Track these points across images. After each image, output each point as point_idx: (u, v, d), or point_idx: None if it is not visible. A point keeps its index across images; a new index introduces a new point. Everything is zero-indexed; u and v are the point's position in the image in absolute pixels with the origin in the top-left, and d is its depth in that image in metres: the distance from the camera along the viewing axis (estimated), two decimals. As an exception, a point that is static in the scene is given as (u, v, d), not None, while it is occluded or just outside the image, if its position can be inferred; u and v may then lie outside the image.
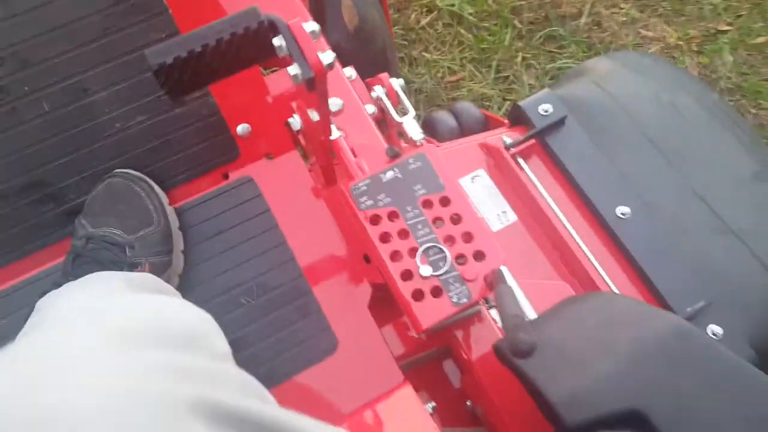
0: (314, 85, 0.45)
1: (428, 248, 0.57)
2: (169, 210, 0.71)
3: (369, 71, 0.82)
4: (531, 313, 0.68)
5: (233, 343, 0.49)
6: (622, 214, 0.78)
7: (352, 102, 0.74)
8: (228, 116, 0.76)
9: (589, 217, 0.80)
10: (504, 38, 1.38)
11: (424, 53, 1.37)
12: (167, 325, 0.33)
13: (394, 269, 0.57)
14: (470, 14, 1.40)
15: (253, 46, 0.46)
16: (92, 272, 0.58)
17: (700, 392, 0.48)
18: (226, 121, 0.76)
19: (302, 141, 0.79)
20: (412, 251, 0.57)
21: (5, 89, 0.67)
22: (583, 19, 1.41)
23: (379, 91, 0.74)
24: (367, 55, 1.04)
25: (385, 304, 0.69)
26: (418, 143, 0.68)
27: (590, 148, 0.84)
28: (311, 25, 0.45)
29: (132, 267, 0.60)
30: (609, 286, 0.74)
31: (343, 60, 0.79)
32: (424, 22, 1.40)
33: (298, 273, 0.71)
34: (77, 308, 0.40)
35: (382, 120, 0.76)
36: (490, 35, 1.39)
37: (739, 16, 1.42)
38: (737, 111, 1.31)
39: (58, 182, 0.71)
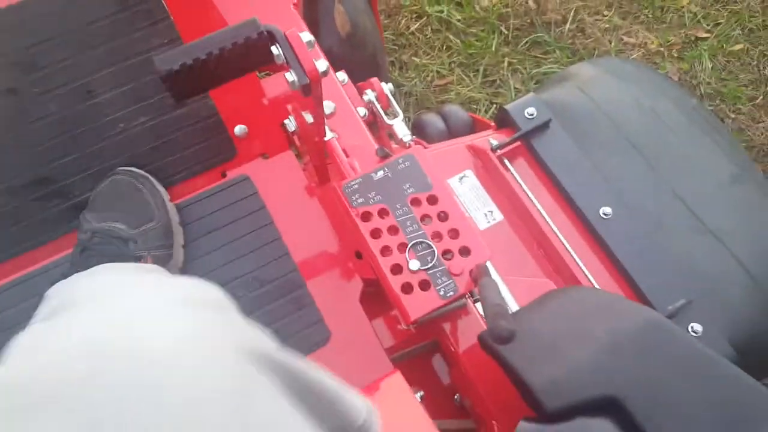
0: (310, 91, 0.48)
1: (417, 244, 0.61)
2: (170, 206, 0.74)
3: (360, 75, 0.86)
4: (514, 307, 0.72)
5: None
6: (605, 214, 0.81)
7: (344, 105, 0.77)
8: (226, 118, 0.79)
9: (572, 217, 0.83)
10: (491, 44, 1.42)
11: (413, 57, 1.41)
12: (203, 294, 0.36)
13: (385, 263, 0.60)
14: (458, 20, 1.44)
15: (252, 54, 0.50)
16: (103, 261, 0.61)
17: (673, 380, 0.51)
18: (224, 123, 0.80)
19: (296, 142, 0.82)
20: (402, 246, 0.61)
21: (16, 91, 0.70)
22: (567, 26, 1.45)
23: (370, 94, 0.78)
24: (359, 60, 1.08)
25: (376, 299, 0.73)
26: (407, 144, 0.71)
27: (574, 150, 0.87)
28: (306, 35, 0.49)
29: (136, 260, 0.63)
30: (592, 284, 0.77)
31: (336, 64, 0.82)
32: (413, 27, 1.44)
33: (292, 267, 0.74)
34: (111, 282, 0.43)
35: (373, 122, 0.79)
36: (477, 41, 1.43)
37: (718, 24, 1.48)
38: (716, 116, 1.36)
39: (64, 179, 0.74)
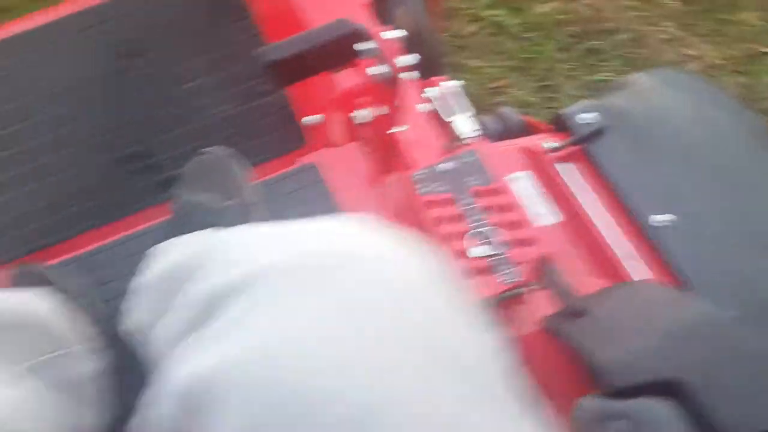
0: (395, 83, 0.53)
1: (479, 232, 0.65)
2: (249, 186, 0.80)
3: (423, 74, 0.91)
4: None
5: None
6: (662, 222, 0.82)
7: (412, 100, 0.82)
8: (297, 109, 0.85)
9: (627, 224, 0.84)
10: (546, 49, 1.45)
11: (468, 60, 1.45)
12: None
13: (447, 250, 0.65)
14: (514, 25, 1.48)
15: (342, 49, 0.55)
16: (195, 230, 0.67)
17: (730, 368, 0.54)
18: (295, 113, 0.86)
19: (362, 134, 0.88)
20: (464, 234, 0.65)
21: (123, 73, 0.79)
22: (624, 35, 1.47)
23: (435, 91, 0.83)
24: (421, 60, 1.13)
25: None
26: (470, 140, 0.76)
27: (630, 157, 0.88)
28: (394, 33, 0.54)
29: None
30: None
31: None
32: (469, 30, 1.48)
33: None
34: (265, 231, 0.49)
35: (438, 117, 0.84)
36: (532, 45, 1.46)
37: (780, 38, 1.47)
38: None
39: (157, 155, 0.82)
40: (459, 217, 0.66)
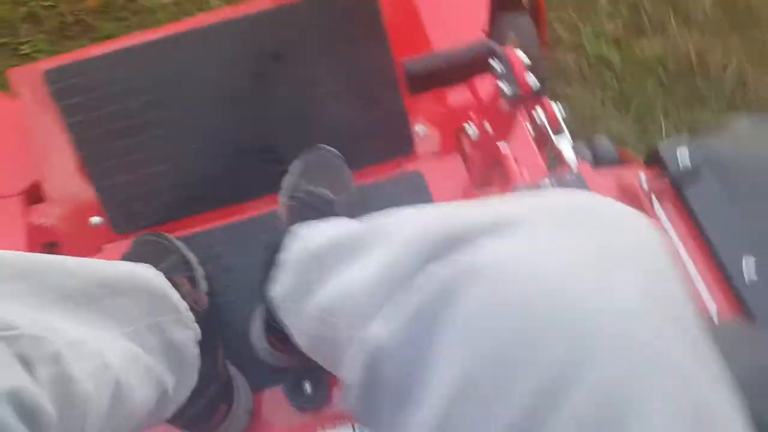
0: (520, 101, 0.60)
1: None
2: (352, 185, 0.89)
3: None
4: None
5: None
6: (750, 268, 0.80)
7: (519, 120, 0.88)
8: (411, 118, 0.93)
9: (713, 267, 0.84)
10: (646, 85, 1.48)
11: (567, 89, 1.49)
12: None
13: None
14: (616, 59, 1.52)
15: (474, 65, 0.62)
16: (313, 218, 0.76)
17: None
18: (408, 122, 0.94)
19: (466, 146, 0.94)
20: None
21: (264, 74, 0.89)
22: (727, 76, 1.47)
23: (540, 112, 0.88)
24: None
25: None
26: (572, 163, 0.81)
27: (725, 200, 0.89)
28: (522, 55, 0.61)
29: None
30: None
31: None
32: (570, 60, 1.53)
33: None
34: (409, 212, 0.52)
35: (540, 138, 0.90)
36: (633, 81, 1.49)
37: None
38: None
39: (281, 149, 0.92)
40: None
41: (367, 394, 0.38)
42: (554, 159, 0.84)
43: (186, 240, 0.91)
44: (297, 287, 0.63)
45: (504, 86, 0.59)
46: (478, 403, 0.29)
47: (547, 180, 0.75)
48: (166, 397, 0.63)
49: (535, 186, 0.75)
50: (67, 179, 0.95)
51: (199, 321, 0.71)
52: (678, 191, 0.92)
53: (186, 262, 0.89)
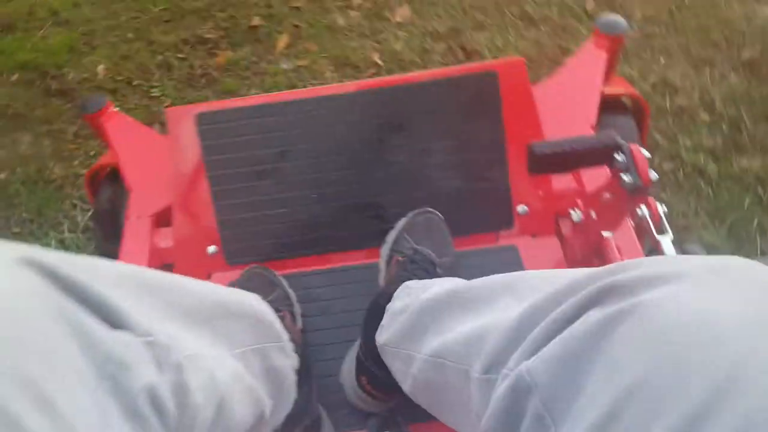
0: (641, 193, 0.66)
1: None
2: (452, 250, 0.96)
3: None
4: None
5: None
6: None
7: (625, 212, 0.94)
8: (515, 196, 1.01)
9: None
10: (743, 200, 1.50)
11: (661, 194, 1.54)
12: None
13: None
14: (713, 172, 1.55)
15: (595, 155, 0.70)
16: (416, 275, 0.83)
17: None
18: (511, 200, 1.01)
19: (564, 230, 1.00)
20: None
21: (384, 142, 1.01)
22: (831, 204, 1.48)
23: (644, 209, 0.94)
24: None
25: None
26: (672, 259, 0.85)
27: None
28: (645, 152, 0.67)
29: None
30: None
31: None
32: (665, 167, 1.58)
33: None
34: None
35: (640, 233, 0.94)
36: (728, 195, 1.52)
37: None
38: None
39: (387, 208, 1.01)
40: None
41: (506, 419, 0.42)
42: (651, 253, 0.89)
43: (287, 278, 1.00)
44: (408, 334, 0.69)
45: (626, 177, 0.66)
46: (623, 430, 0.31)
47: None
48: (262, 419, 0.69)
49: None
50: (194, 209, 1.07)
51: (295, 353, 0.77)
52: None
53: (287, 298, 0.97)
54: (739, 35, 1.83)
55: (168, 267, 1.07)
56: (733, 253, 1.45)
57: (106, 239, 1.26)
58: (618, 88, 1.19)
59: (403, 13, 2.01)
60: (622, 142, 0.67)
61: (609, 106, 1.15)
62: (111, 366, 0.39)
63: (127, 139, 1.19)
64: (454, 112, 1.00)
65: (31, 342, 0.34)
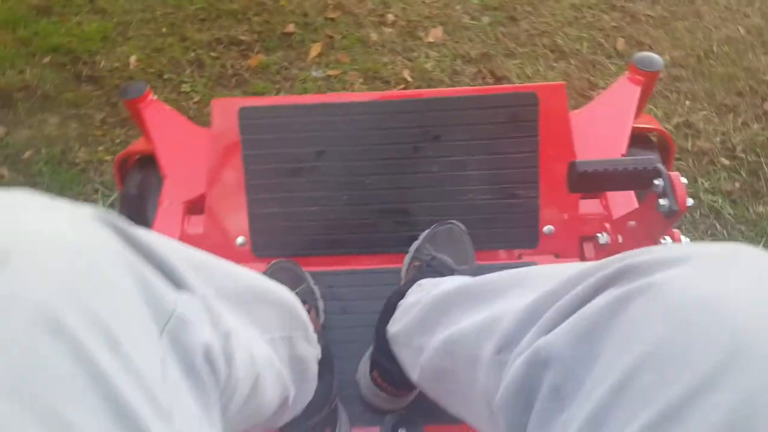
0: (675, 217, 0.70)
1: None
2: (474, 261, 0.99)
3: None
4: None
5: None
6: None
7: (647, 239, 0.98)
8: (542, 217, 1.04)
9: None
10: (758, 244, 1.53)
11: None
12: None
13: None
14: (730, 214, 1.59)
15: (634, 178, 0.73)
16: (434, 278, 0.86)
17: None
18: (538, 220, 1.05)
19: (587, 253, 1.04)
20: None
21: (421, 150, 1.05)
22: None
23: (668, 239, 0.97)
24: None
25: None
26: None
27: None
28: (683, 179, 0.71)
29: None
30: None
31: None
32: (683, 206, 1.62)
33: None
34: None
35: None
36: (742, 237, 1.55)
37: None
38: None
39: (416, 216, 1.05)
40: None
41: (520, 394, 0.45)
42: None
43: (312, 275, 1.03)
44: (419, 326, 0.72)
45: (663, 201, 0.70)
46: (631, 398, 0.33)
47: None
48: (286, 405, 0.72)
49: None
50: (228, 200, 1.10)
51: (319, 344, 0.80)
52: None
53: (312, 293, 1.00)
54: (764, 85, 1.89)
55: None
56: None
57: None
58: (647, 123, 1.24)
59: (436, 33, 2.08)
60: (661, 167, 0.71)
61: (637, 139, 1.19)
62: (173, 321, 0.41)
63: (164, 126, 1.23)
64: (492, 128, 1.04)
65: (104, 286, 0.36)
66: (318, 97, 1.11)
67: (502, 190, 1.05)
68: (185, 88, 2.01)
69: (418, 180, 1.06)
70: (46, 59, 2.11)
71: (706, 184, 1.67)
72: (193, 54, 2.11)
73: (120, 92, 1.35)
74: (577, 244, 1.05)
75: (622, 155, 1.10)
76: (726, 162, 1.72)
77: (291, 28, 2.14)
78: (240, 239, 1.10)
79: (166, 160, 1.19)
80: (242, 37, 2.13)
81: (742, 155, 1.73)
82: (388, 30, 2.12)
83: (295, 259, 1.06)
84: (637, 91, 1.16)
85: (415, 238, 1.03)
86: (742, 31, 2.05)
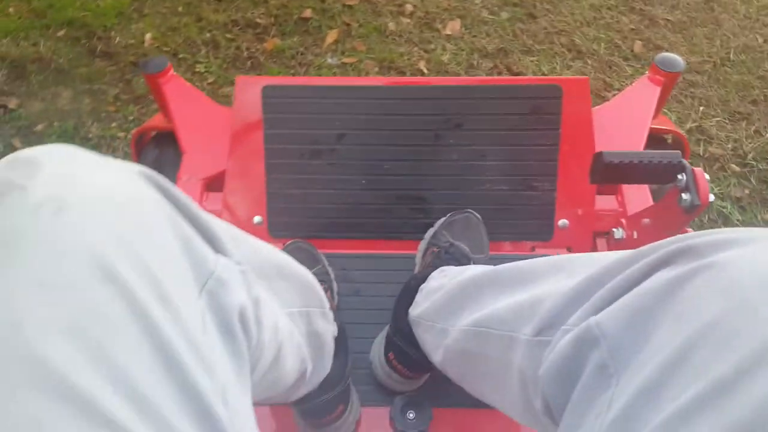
0: (696, 212, 0.72)
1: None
2: (487, 250, 1.01)
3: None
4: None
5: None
6: None
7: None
8: (558, 210, 1.06)
9: None
10: None
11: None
12: None
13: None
14: (738, 220, 1.61)
15: (658, 172, 0.75)
16: (453, 265, 0.88)
17: None
18: (554, 213, 1.06)
19: (599, 248, 1.05)
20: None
21: (442, 138, 1.07)
22: None
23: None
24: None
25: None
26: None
27: None
28: (706, 174, 0.73)
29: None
30: None
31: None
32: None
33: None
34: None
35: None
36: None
37: None
38: None
39: (433, 203, 1.07)
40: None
41: (565, 371, 0.46)
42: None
43: (327, 257, 1.05)
44: (444, 309, 0.74)
45: (685, 196, 0.72)
46: (684, 373, 0.34)
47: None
48: (302, 379, 0.74)
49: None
50: (246, 178, 1.12)
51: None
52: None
53: (327, 274, 1.02)
54: (779, 95, 1.91)
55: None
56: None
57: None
58: (663, 125, 1.26)
59: (453, 26, 2.09)
60: (685, 162, 0.72)
61: (653, 139, 1.21)
62: (212, 282, 0.43)
63: (184, 103, 1.25)
64: (514, 119, 1.06)
65: (153, 239, 0.38)
66: (342, 80, 1.13)
67: (520, 182, 1.07)
68: (200, 68, 2.02)
69: (438, 168, 1.08)
70: (61, 32, 2.12)
71: (716, 190, 1.68)
72: (208, 35, 2.12)
73: (141, 66, 1.36)
74: (591, 239, 1.07)
75: (639, 154, 1.12)
76: (737, 169, 1.74)
77: (308, 13, 2.15)
78: (257, 218, 1.11)
79: (186, 136, 1.20)
80: (258, 20, 2.14)
81: (753, 163, 1.75)
82: (405, 20, 2.13)
83: (310, 241, 1.08)
84: (656, 91, 1.17)
85: (430, 225, 1.05)
86: (759, 39, 2.07)
